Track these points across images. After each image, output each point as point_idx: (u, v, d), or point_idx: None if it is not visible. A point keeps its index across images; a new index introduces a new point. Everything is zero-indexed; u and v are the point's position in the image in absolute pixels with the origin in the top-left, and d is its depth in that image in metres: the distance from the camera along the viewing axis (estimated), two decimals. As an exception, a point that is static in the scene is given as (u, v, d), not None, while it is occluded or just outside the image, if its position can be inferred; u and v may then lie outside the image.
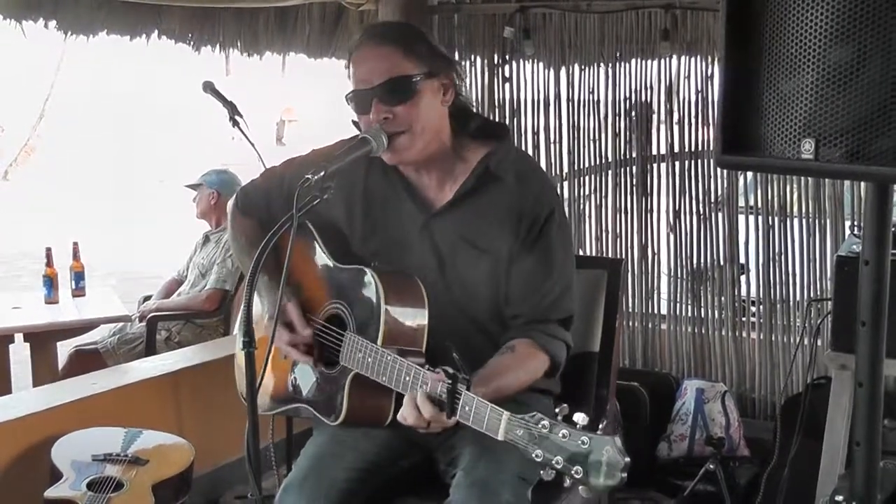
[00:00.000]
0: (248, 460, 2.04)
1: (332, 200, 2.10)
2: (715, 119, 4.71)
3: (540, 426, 1.78)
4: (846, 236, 4.05)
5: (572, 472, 1.72)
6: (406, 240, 2.35)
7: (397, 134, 2.21)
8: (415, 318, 2.20)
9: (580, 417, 1.75)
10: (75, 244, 5.08)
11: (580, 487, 1.73)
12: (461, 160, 2.34)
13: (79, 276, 5.05)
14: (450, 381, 1.93)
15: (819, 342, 3.77)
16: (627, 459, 1.71)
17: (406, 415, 2.03)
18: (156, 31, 4.98)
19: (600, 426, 1.74)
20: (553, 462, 1.74)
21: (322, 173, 2.02)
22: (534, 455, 1.77)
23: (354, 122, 2.35)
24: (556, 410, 1.78)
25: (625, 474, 1.70)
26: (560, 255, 2.32)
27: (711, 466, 3.78)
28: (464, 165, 2.33)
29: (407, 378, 2.05)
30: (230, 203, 2.66)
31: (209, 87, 3.83)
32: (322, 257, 2.39)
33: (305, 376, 2.37)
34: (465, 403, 1.92)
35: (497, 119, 4.79)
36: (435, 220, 2.32)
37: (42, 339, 4.66)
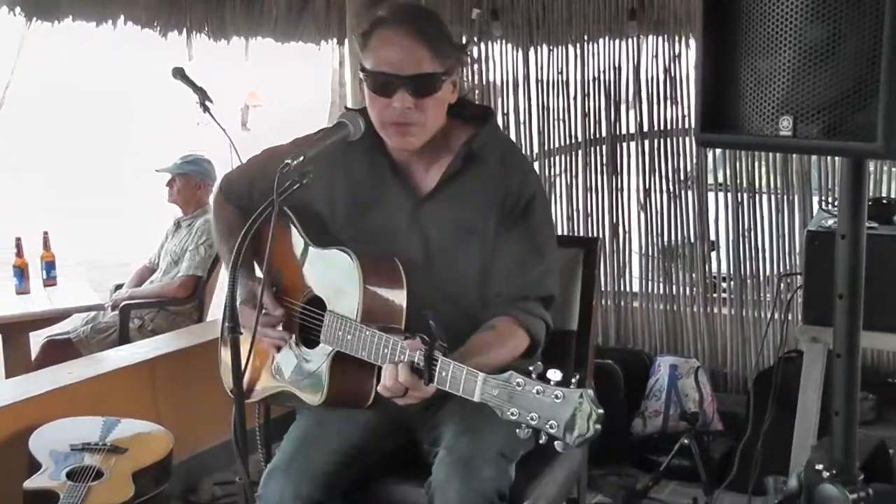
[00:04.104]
0: (236, 444, 2.05)
1: (312, 185, 2.11)
2: (683, 98, 4.75)
3: (514, 384, 1.80)
4: (815, 211, 4.10)
5: (547, 426, 1.73)
6: (393, 224, 2.36)
7: (410, 125, 2.24)
8: (393, 297, 2.21)
9: (553, 373, 1.76)
10: (45, 233, 5.02)
11: (556, 443, 1.73)
12: (447, 144, 2.36)
13: (50, 266, 4.99)
14: (426, 347, 1.94)
15: (790, 316, 3.82)
16: (601, 411, 1.72)
17: (385, 382, 2.03)
18: (122, 17, 4.92)
19: (573, 380, 1.75)
20: (528, 419, 1.76)
21: (301, 158, 2.04)
22: (509, 413, 1.79)
23: (351, 109, 2.36)
24: (531, 368, 1.79)
25: (599, 426, 1.71)
26: (542, 236, 2.34)
27: (686, 441, 3.82)
28: (448, 148, 2.36)
29: (385, 350, 2.06)
30: (214, 190, 2.70)
31: (179, 73, 3.81)
32: (301, 242, 2.40)
33: (287, 359, 2.37)
34: (441, 369, 1.93)
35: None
36: (423, 206, 2.34)
37: (14, 330, 4.61)
